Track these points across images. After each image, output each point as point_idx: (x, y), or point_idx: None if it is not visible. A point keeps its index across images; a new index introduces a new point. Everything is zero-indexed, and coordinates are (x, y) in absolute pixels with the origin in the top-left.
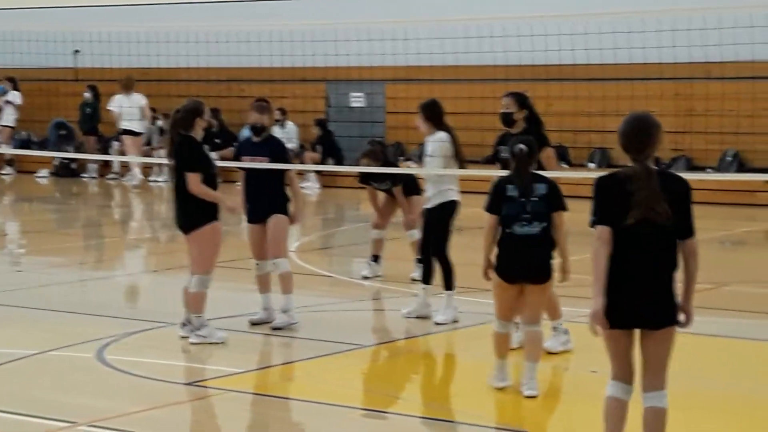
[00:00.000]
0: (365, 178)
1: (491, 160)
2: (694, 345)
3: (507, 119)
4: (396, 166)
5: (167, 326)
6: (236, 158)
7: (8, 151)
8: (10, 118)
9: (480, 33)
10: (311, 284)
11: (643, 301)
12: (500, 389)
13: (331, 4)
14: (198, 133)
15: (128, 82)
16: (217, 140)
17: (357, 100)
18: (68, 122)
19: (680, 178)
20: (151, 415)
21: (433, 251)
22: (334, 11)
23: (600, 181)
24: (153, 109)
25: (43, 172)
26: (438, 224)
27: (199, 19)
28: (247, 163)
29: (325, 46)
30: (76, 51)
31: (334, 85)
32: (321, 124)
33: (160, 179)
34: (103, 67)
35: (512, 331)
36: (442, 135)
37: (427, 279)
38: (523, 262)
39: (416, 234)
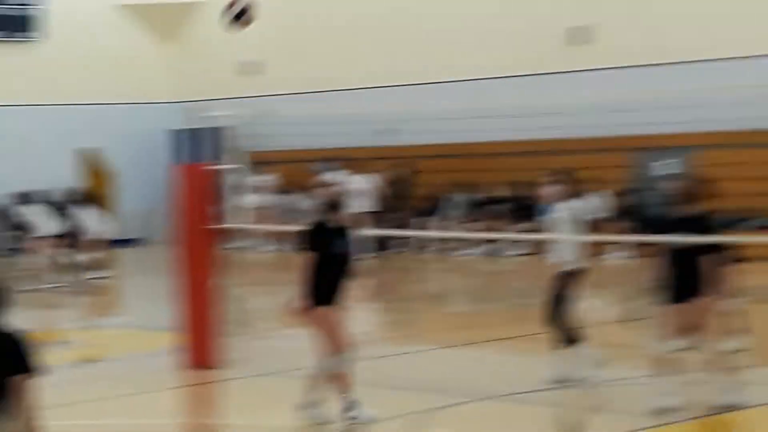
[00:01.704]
0: None
1: None
2: None
3: None
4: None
5: (479, 401)
6: (656, 232)
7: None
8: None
9: None
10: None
11: None
12: None
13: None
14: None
15: (353, 162)
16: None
17: (665, 168)
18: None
19: None
20: None
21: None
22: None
23: None
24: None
25: None
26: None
27: (505, 94)
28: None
29: (628, 115)
30: (387, 130)
31: (638, 154)
32: (626, 193)
33: (470, 252)
34: (414, 145)
35: None
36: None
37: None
38: None
39: None
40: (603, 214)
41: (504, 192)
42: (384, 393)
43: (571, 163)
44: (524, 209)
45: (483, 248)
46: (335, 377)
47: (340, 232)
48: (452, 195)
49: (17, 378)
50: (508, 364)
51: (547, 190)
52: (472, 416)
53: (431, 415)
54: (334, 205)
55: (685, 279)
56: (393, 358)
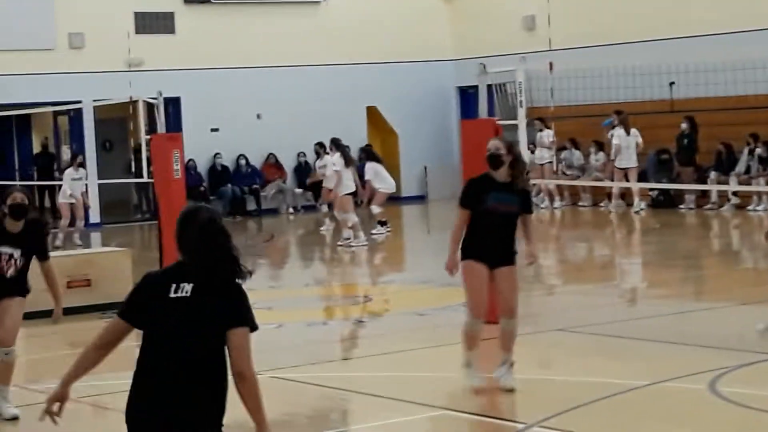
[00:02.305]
0: None
1: None
2: None
3: None
4: None
5: None
6: None
7: (610, 183)
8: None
9: None
10: None
11: None
12: None
13: None
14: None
15: (623, 117)
16: None
17: None
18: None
19: None
20: None
21: None
22: None
23: None
24: (755, 136)
25: (641, 204)
26: None
27: None
28: None
29: None
30: (672, 83)
31: None
32: None
33: (759, 208)
34: (699, 98)
35: None
36: None
37: None
38: None
39: None
40: None
41: None
42: (679, 350)
43: None
44: None
45: None
46: (469, 336)
47: (507, 187)
48: (740, 149)
49: (236, 331)
50: None
51: None
52: None
53: (728, 373)
54: (494, 158)
55: None
56: (687, 315)
